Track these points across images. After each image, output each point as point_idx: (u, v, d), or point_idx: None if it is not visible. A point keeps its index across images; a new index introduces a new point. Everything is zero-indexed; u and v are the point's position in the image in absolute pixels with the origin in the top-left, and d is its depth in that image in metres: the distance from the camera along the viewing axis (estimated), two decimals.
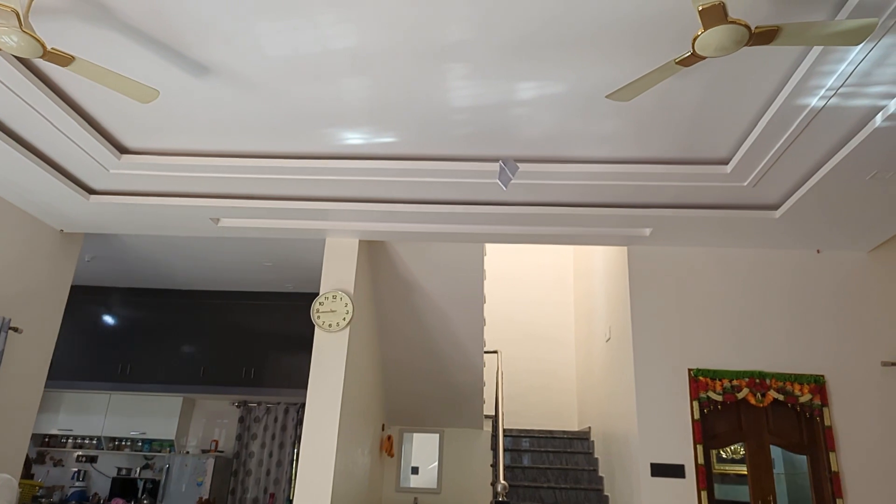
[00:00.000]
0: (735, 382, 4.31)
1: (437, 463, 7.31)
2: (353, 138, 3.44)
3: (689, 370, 4.37)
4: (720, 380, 4.31)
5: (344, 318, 4.43)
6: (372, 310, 5.43)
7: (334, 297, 4.49)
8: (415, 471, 8.48)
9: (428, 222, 4.32)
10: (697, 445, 4.18)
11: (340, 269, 4.60)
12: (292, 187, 3.95)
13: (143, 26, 2.58)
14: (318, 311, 4.47)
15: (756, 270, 4.60)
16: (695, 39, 2.17)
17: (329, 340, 4.44)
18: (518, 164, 3.43)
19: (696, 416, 4.25)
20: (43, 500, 6.53)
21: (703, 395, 4.29)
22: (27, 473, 5.96)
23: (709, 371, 4.35)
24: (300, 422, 6.98)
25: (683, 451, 4.19)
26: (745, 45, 2.17)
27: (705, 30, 2.11)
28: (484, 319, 5.72)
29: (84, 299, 6.65)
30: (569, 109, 3.10)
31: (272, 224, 4.44)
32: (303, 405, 6.88)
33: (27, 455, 4.70)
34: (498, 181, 3.55)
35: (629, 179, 3.68)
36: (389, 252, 5.11)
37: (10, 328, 4.01)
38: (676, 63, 2.32)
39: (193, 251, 5.60)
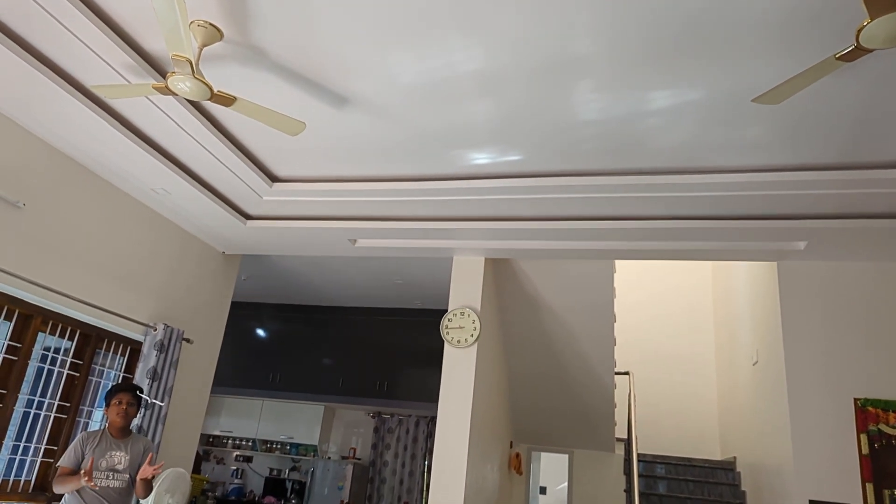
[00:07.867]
0: None
1: (566, 484, 7.11)
2: (480, 158, 3.51)
3: (856, 399, 3.88)
4: (893, 411, 3.80)
5: (472, 335, 4.49)
6: (498, 327, 5.45)
7: (462, 313, 4.58)
8: (542, 491, 8.30)
9: (555, 239, 4.27)
10: (867, 483, 3.70)
11: (467, 287, 4.68)
12: (422, 208, 4.10)
13: (291, 65, 2.85)
14: (446, 327, 4.58)
15: None
16: (859, 31, 1.95)
17: (458, 356, 4.52)
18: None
19: (865, 450, 3.77)
20: (209, 493, 7.31)
21: (872, 427, 3.80)
22: (196, 469, 6.69)
23: (879, 401, 3.84)
24: (430, 434, 7.15)
25: (849, 488, 3.73)
26: None
27: (872, 20, 1.89)
28: (614, 339, 5.50)
29: (240, 314, 7.32)
30: (708, 116, 2.92)
31: (403, 244, 4.64)
32: (433, 418, 7.05)
33: (197, 452, 5.28)
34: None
35: (780, 189, 3.36)
36: (515, 270, 5.12)
37: (183, 339, 4.55)
38: (837, 58, 2.10)
39: (333, 270, 6.00)
